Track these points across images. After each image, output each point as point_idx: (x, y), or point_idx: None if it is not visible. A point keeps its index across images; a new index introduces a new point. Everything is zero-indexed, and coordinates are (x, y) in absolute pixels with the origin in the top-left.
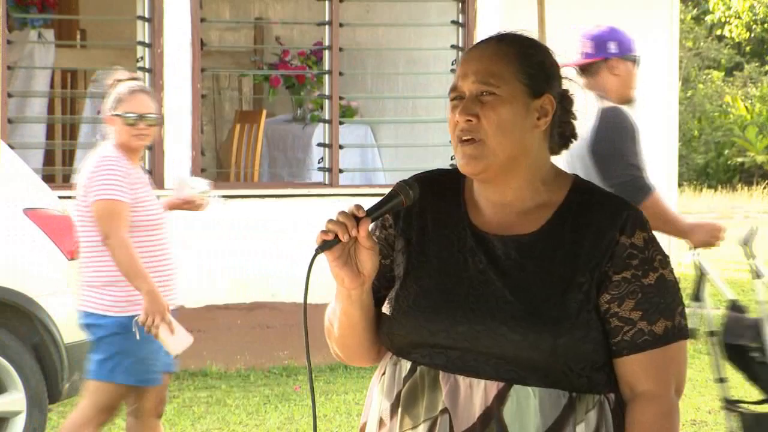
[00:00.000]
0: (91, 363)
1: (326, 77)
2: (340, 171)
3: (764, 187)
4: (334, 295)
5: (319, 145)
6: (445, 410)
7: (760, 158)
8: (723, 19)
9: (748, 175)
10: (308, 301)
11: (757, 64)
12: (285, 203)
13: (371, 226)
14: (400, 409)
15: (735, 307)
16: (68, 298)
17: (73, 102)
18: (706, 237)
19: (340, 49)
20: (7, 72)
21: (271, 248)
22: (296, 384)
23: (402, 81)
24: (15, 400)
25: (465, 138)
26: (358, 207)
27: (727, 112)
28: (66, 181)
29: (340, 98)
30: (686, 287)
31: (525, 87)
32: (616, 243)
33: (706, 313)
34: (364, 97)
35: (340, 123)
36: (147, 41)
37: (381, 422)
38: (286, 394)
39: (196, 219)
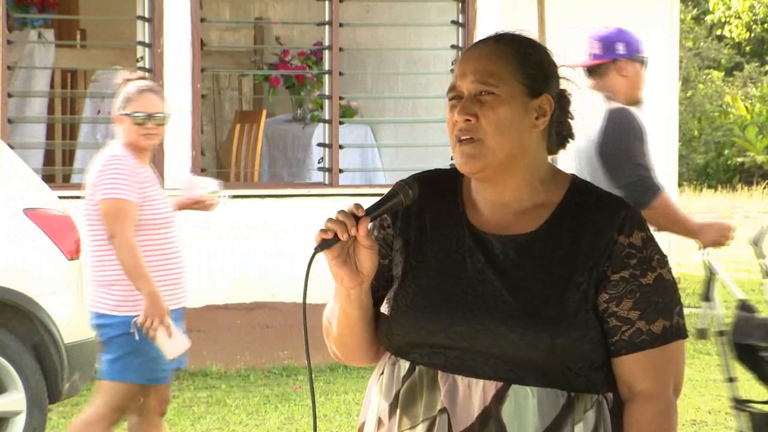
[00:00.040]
0: (102, 363)
1: (326, 77)
2: (340, 171)
3: (764, 187)
4: (333, 294)
5: (319, 145)
6: (443, 410)
7: (760, 158)
8: (723, 19)
9: (748, 175)
10: (308, 301)
11: (757, 64)
12: (285, 203)
13: (370, 225)
14: (398, 409)
15: (745, 306)
16: (68, 298)
17: (73, 102)
18: (715, 236)
19: (340, 49)
20: (7, 72)
21: (271, 248)
22: (296, 384)
23: (402, 81)
24: (15, 400)
25: (464, 138)
26: (358, 206)
27: (727, 112)
28: (66, 181)
29: (340, 98)
30: (688, 287)
31: (524, 87)
32: (615, 243)
33: (716, 313)
34: (364, 97)
35: (340, 123)
36: (147, 41)
37: (379, 422)
38: (286, 394)
39: (196, 219)
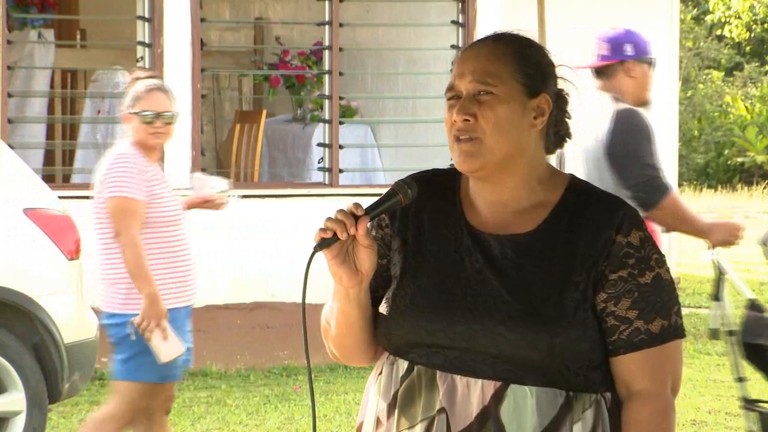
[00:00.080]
0: (115, 363)
1: (326, 77)
2: (340, 171)
3: (764, 187)
4: (332, 294)
5: (319, 145)
6: (442, 410)
7: (760, 158)
8: (723, 19)
9: (748, 175)
10: (308, 301)
11: (757, 64)
12: (285, 203)
13: (368, 225)
14: (397, 409)
15: (754, 306)
16: (68, 298)
17: (73, 102)
18: (725, 236)
19: (340, 49)
20: (7, 72)
21: (271, 248)
22: (296, 384)
23: (402, 81)
24: (15, 400)
25: (462, 137)
26: (357, 205)
27: (727, 112)
28: (66, 181)
29: (340, 98)
30: (688, 287)
31: (522, 86)
32: (613, 242)
33: (726, 313)
34: (364, 97)
35: (340, 123)
36: (147, 41)
37: (378, 422)
38: (286, 394)
39: (196, 219)
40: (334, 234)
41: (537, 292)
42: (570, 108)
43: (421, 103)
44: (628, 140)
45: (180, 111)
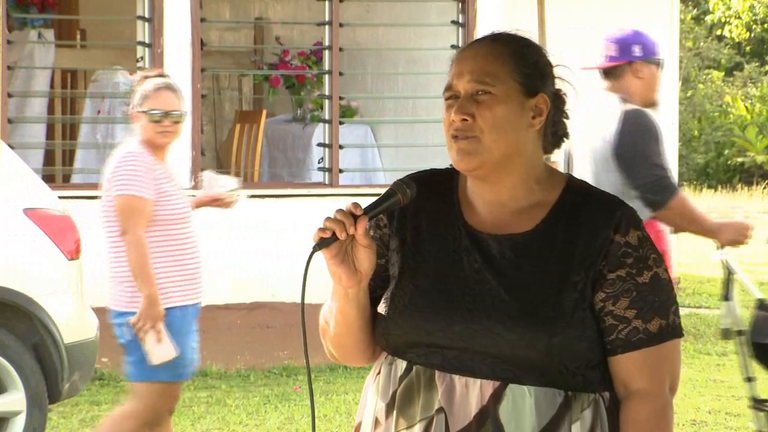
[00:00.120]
0: (129, 365)
1: (326, 77)
2: (340, 171)
3: (764, 187)
4: (331, 294)
5: (319, 145)
6: (440, 410)
7: (760, 158)
8: (723, 19)
9: (748, 175)
10: (307, 301)
11: (757, 64)
12: (285, 203)
13: (367, 225)
14: (395, 409)
15: (763, 306)
16: (68, 298)
17: (73, 102)
18: (734, 236)
19: (340, 49)
20: (7, 72)
21: (271, 248)
22: (296, 384)
23: (402, 81)
24: (15, 400)
25: (460, 135)
26: (356, 205)
27: (727, 112)
28: (66, 181)
29: (340, 98)
30: (688, 287)
31: (520, 86)
32: (611, 241)
33: (736, 313)
34: (364, 97)
35: (340, 123)
36: (147, 41)
37: (376, 422)
38: (286, 394)
39: (196, 219)
40: (333, 234)
41: (535, 292)
42: (568, 108)
43: (421, 103)
44: (635, 140)
45: None
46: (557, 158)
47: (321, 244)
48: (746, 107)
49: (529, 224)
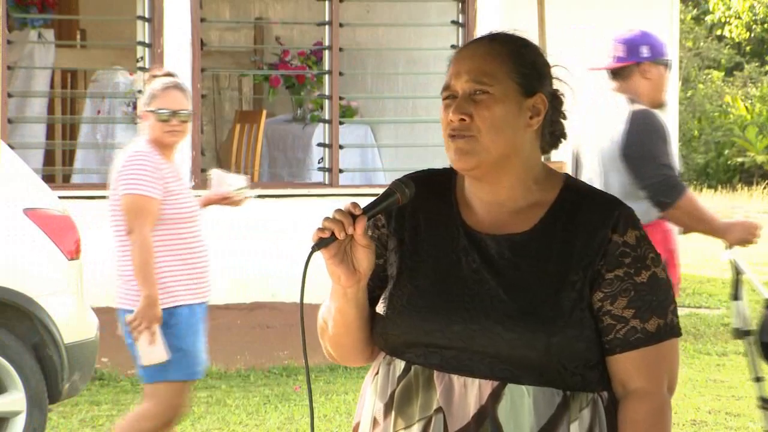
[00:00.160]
0: (140, 367)
1: (326, 77)
2: (340, 171)
3: (764, 187)
4: (329, 293)
5: (319, 145)
6: (439, 409)
7: (760, 158)
8: (723, 19)
9: (748, 175)
10: (307, 301)
11: (757, 64)
12: (285, 203)
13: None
14: (394, 409)
15: None
16: (68, 298)
17: (73, 102)
18: (743, 235)
19: (340, 49)
20: (7, 72)
21: (271, 248)
22: (296, 384)
23: (402, 81)
24: (15, 400)
25: (457, 134)
26: (355, 205)
27: (727, 112)
28: (66, 181)
29: (340, 98)
30: (688, 287)
31: (518, 86)
32: (609, 241)
33: (744, 313)
34: (364, 97)
35: (340, 123)
36: (147, 41)
37: (375, 422)
38: (286, 394)
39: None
40: (332, 234)
41: (534, 292)
42: (565, 108)
43: (421, 103)
44: (643, 141)
45: None
46: (565, 159)
47: (320, 244)
48: (746, 107)
49: (528, 224)
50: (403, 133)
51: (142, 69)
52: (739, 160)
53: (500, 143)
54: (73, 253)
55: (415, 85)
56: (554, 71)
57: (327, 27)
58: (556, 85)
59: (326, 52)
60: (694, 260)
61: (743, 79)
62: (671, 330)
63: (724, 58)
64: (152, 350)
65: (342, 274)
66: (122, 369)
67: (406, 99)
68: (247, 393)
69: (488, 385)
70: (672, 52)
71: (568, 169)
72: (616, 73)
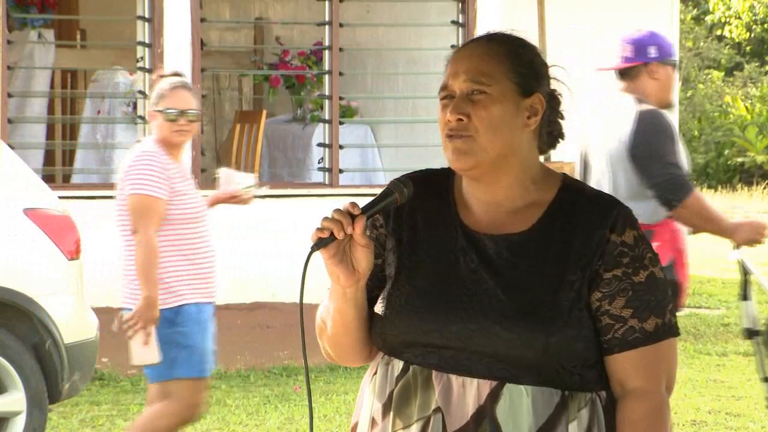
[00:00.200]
0: (149, 367)
1: (326, 77)
2: (340, 171)
3: (764, 187)
4: (328, 293)
5: (319, 145)
6: (437, 409)
7: (760, 158)
8: (723, 19)
9: (748, 175)
10: (307, 301)
11: (757, 64)
12: (285, 203)
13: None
14: (392, 409)
15: None
16: (68, 298)
17: (73, 102)
18: (751, 235)
19: (340, 49)
20: (7, 72)
21: (271, 248)
22: (296, 384)
23: (402, 81)
24: (15, 400)
25: (455, 134)
26: (353, 204)
27: (727, 112)
28: (66, 181)
29: (340, 98)
30: (688, 288)
31: (515, 86)
32: (607, 241)
33: (753, 313)
34: (364, 97)
35: (340, 123)
36: (147, 41)
37: (373, 422)
38: (286, 394)
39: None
40: (331, 233)
41: (532, 292)
42: (563, 108)
43: (421, 103)
44: (651, 140)
45: None
46: (573, 160)
47: (319, 244)
48: (746, 107)
49: (526, 224)
50: (403, 133)
51: (142, 69)
52: (739, 160)
53: (498, 143)
54: (73, 253)
55: (415, 85)
56: (552, 71)
57: (327, 27)
58: (554, 85)
59: (326, 52)
60: (695, 260)
61: (743, 79)
62: (669, 329)
63: (724, 58)
64: (145, 351)
65: (341, 273)
66: (122, 369)
67: (406, 99)
68: (247, 393)
69: (487, 385)
70: None
71: (577, 170)
72: (624, 74)
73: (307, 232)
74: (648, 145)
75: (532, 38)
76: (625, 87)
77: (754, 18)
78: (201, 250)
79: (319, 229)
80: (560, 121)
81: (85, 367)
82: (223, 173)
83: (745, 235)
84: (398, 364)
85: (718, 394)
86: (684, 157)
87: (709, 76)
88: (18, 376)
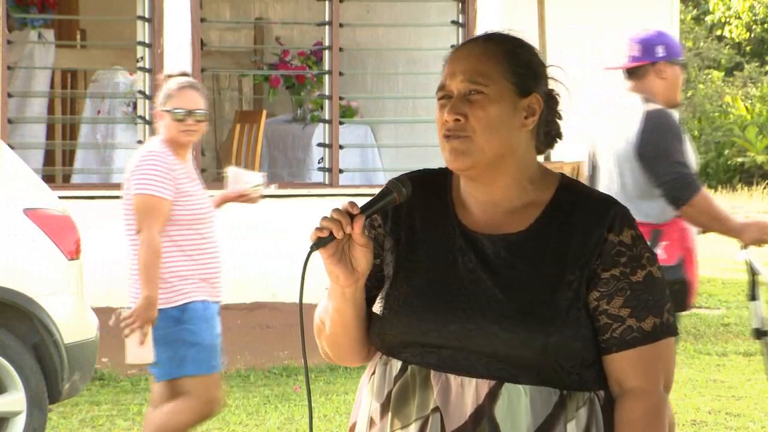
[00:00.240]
0: (160, 364)
1: (326, 77)
2: (340, 171)
3: (764, 187)
4: (327, 293)
5: (319, 145)
6: (436, 409)
7: (760, 158)
8: (723, 20)
9: (748, 175)
10: (307, 301)
11: (757, 64)
12: (285, 203)
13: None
14: (390, 409)
15: None
16: (68, 298)
17: (73, 102)
18: (758, 235)
19: (340, 49)
20: (7, 72)
21: (271, 248)
22: (296, 384)
23: (402, 81)
24: (15, 400)
25: (452, 135)
26: (352, 204)
27: (727, 112)
28: (66, 181)
29: (340, 98)
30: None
31: (513, 86)
32: (605, 240)
33: (760, 313)
34: (364, 97)
35: (340, 123)
36: (147, 41)
37: (371, 422)
38: (286, 394)
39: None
40: (331, 233)
41: (530, 292)
42: (561, 108)
43: (421, 103)
44: (658, 139)
45: None
46: (582, 160)
47: (318, 243)
48: (746, 107)
49: (523, 224)
50: (403, 133)
51: (142, 69)
52: (739, 160)
53: (495, 143)
54: (73, 253)
55: (415, 85)
56: (550, 71)
57: (327, 27)
58: (552, 84)
59: (326, 52)
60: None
61: (743, 79)
62: (667, 329)
63: (724, 58)
64: (140, 350)
65: (340, 273)
66: (122, 369)
67: (406, 99)
68: (247, 393)
69: (485, 385)
70: None
71: (585, 171)
72: (632, 73)
73: (307, 232)
74: (655, 145)
75: (532, 38)
76: (633, 86)
77: (754, 18)
78: (206, 251)
79: (318, 229)
80: (558, 121)
81: (85, 367)
82: (232, 172)
83: (753, 235)
84: (396, 364)
85: (718, 394)
86: (692, 157)
87: (709, 76)
88: (18, 376)
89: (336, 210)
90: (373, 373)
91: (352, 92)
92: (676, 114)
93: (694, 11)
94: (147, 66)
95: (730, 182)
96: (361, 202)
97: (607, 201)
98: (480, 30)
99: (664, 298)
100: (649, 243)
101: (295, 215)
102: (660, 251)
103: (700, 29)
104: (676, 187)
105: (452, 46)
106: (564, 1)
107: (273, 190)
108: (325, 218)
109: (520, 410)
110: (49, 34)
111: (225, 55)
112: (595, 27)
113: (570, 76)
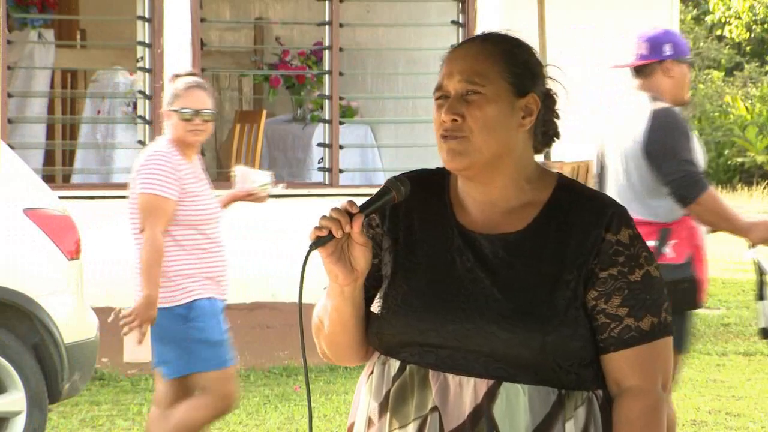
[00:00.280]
0: (170, 361)
1: (326, 77)
2: (340, 171)
3: (764, 187)
4: (326, 292)
5: (319, 145)
6: (434, 409)
7: (760, 158)
8: (723, 20)
9: (748, 175)
10: (306, 300)
11: (757, 64)
12: (285, 203)
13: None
14: (389, 409)
15: None
16: (68, 298)
17: (73, 102)
18: (766, 234)
19: (340, 49)
20: (7, 72)
21: (271, 248)
22: (296, 384)
23: (402, 81)
24: (15, 400)
25: (449, 135)
26: (351, 203)
27: (727, 112)
28: (66, 181)
29: (340, 98)
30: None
31: (510, 86)
32: (602, 240)
33: (765, 312)
34: (364, 97)
35: (340, 123)
36: (147, 41)
37: (369, 422)
38: (286, 394)
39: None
40: (330, 232)
41: (528, 291)
42: (558, 108)
43: (421, 103)
44: (665, 138)
45: None
46: (591, 159)
47: (318, 242)
48: (746, 107)
49: (521, 224)
50: (403, 133)
51: (142, 69)
52: (739, 160)
53: (492, 143)
54: (73, 253)
55: (415, 85)
56: (547, 70)
57: (327, 27)
58: (549, 84)
59: (326, 52)
60: None
61: (743, 79)
62: (665, 328)
63: (724, 58)
64: (138, 349)
65: (339, 272)
66: (122, 369)
67: (406, 99)
68: (247, 393)
69: (483, 384)
70: None
71: (594, 171)
72: (639, 71)
73: (307, 232)
74: (662, 143)
75: (532, 38)
76: (640, 84)
77: (754, 18)
78: (212, 251)
79: (318, 228)
80: (556, 120)
81: (85, 367)
82: (239, 171)
83: (761, 234)
84: (395, 364)
85: (718, 394)
86: (700, 155)
87: (709, 76)
88: (18, 376)
89: (335, 209)
90: (372, 372)
91: (352, 92)
92: (683, 112)
93: (694, 11)
94: (147, 66)
95: (730, 182)
96: (360, 202)
97: (605, 201)
98: (480, 30)
99: (661, 298)
100: (658, 241)
101: (295, 215)
102: (669, 249)
103: (700, 29)
104: (684, 185)
105: (452, 46)
106: (564, 1)
107: (281, 189)
108: (324, 217)
109: (518, 409)
110: (49, 34)
111: (225, 55)
112: (595, 27)
113: (570, 76)
